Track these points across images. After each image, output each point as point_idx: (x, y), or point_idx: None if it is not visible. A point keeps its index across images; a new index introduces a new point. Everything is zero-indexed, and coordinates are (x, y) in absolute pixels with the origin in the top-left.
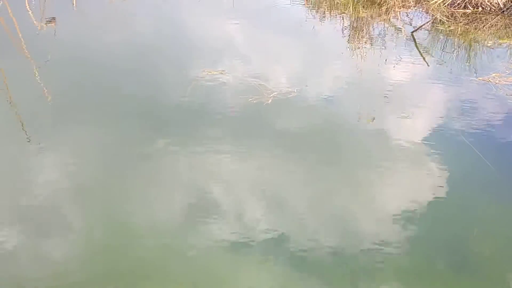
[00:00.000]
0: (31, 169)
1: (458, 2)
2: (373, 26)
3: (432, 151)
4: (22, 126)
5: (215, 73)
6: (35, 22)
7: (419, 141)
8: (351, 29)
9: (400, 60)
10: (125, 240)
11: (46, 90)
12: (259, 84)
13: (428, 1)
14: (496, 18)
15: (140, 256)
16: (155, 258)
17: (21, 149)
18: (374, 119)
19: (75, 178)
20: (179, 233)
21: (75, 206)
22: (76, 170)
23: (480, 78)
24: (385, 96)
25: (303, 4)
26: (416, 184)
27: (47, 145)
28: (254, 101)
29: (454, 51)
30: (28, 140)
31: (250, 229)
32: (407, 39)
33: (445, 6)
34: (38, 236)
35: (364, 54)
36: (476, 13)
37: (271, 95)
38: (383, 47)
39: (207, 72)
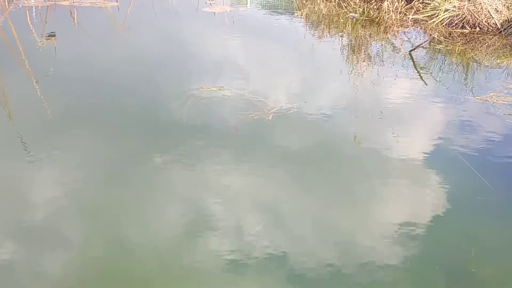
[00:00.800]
0: (29, 184)
1: (456, 22)
2: (371, 45)
3: (429, 170)
4: (22, 140)
5: (214, 89)
6: (36, 37)
7: (416, 160)
8: (349, 47)
9: (397, 79)
10: (122, 257)
11: (46, 105)
12: (258, 100)
13: (426, 20)
14: (494, 38)
15: (137, 273)
16: (153, 276)
17: (20, 163)
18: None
19: (72, 193)
20: (177, 250)
21: (72, 222)
22: (74, 185)
23: (478, 97)
24: (382, 115)
25: (302, 22)
26: (413, 204)
27: (45, 160)
28: (255, 117)
29: (451, 70)
30: (27, 154)
31: (249, 246)
32: (405, 58)
33: (443, 26)
34: (34, 252)
35: (362, 72)
36: (473, 33)
37: (271, 111)
38: (381, 65)
39: (206, 88)
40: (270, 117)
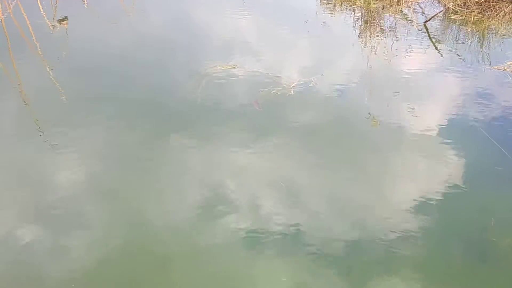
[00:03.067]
0: (46, 167)
1: None
2: (384, 17)
3: (447, 141)
4: (37, 123)
5: (227, 67)
6: (47, 21)
7: (434, 131)
8: (362, 20)
9: (412, 50)
10: (142, 235)
11: (60, 88)
12: (275, 76)
13: None
14: (510, 6)
15: (157, 250)
16: (172, 253)
17: (36, 147)
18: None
19: (90, 174)
20: (196, 228)
21: (91, 202)
22: (91, 166)
23: (495, 67)
24: (398, 87)
25: None
26: (432, 175)
27: (61, 143)
28: (278, 93)
29: (467, 40)
30: (43, 138)
31: (270, 222)
32: (419, 29)
33: None
34: (55, 233)
35: (376, 44)
36: (489, 2)
37: (291, 86)
38: (395, 37)
39: (219, 67)
40: (292, 91)
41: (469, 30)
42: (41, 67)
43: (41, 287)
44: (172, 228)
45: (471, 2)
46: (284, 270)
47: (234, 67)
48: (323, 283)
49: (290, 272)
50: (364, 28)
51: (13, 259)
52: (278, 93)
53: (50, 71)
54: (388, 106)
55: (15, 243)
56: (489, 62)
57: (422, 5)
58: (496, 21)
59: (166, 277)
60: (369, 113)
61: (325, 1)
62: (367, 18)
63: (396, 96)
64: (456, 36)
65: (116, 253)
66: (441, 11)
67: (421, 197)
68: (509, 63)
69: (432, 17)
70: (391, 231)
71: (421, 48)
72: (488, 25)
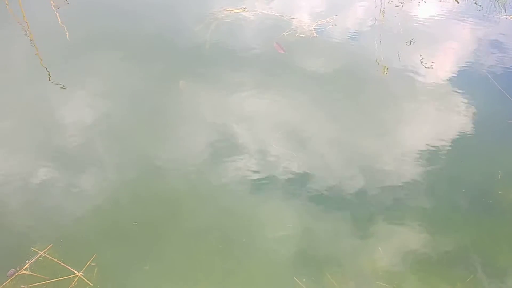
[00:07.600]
0: (56, 107)
1: None
2: None
3: (459, 91)
4: (43, 64)
5: (237, 10)
6: None
7: (445, 81)
8: None
9: None
10: (151, 175)
11: (66, 29)
12: (290, 18)
13: None
14: None
15: (166, 194)
16: (181, 193)
17: (44, 88)
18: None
19: (101, 118)
20: (205, 169)
21: (102, 146)
22: (102, 110)
23: (511, 16)
24: (412, 35)
25: None
26: (441, 125)
27: (69, 84)
28: (302, 35)
29: None
30: (50, 79)
31: (280, 166)
32: None
33: None
34: (70, 170)
35: None
36: None
37: (312, 27)
38: None
39: (228, 11)
40: (315, 33)
41: None
42: (48, 5)
43: (56, 221)
44: (181, 169)
45: None
46: (290, 213)
47: (244, 11)
48: (328, 227)
49: (296, 215)
50: None
51: (29, 196)
52: (302, 35)
53: (56, 11)
54: (399, 55)
55: (30, 182)
56: (504, 11)
57: None
58: None
59: (174, 215)
60: (377, 61)
61: None
62: None
63: (407, 44)
64: None
65: (125, 192)
66: None
67: (430, 147)
68: None
69: None
70: (397, 179)
71: None
72: None
